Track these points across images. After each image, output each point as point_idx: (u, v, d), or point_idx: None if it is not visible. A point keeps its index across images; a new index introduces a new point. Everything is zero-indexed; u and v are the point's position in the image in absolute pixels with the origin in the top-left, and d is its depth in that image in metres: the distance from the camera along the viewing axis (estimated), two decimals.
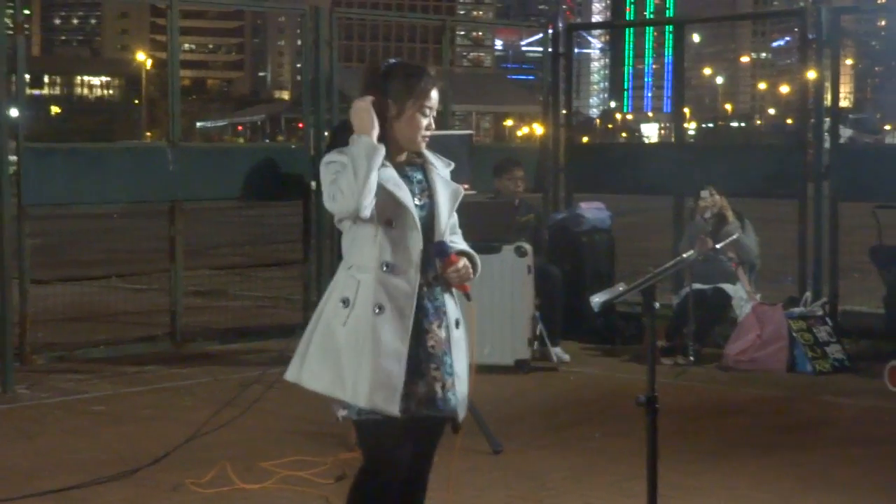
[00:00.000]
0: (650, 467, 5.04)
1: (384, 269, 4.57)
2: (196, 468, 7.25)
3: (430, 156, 4.78)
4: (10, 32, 10.31)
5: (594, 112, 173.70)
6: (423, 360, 4.61)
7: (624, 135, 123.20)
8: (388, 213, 4.58)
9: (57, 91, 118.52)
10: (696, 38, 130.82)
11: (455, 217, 4.84)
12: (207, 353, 11.26)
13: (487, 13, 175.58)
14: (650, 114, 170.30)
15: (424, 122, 4.67)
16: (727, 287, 11.06)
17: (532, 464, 7.57)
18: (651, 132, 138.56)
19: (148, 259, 16.47)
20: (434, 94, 4.69)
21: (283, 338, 10.15)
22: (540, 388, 10.05)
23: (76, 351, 10.97)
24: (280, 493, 6.90)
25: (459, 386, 4.71)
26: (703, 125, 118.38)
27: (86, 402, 9.44)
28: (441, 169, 4.78)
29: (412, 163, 4.74)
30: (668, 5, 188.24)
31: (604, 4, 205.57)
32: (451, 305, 4.72)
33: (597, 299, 5.01)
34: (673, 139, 15.16)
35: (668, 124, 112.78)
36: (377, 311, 4.55)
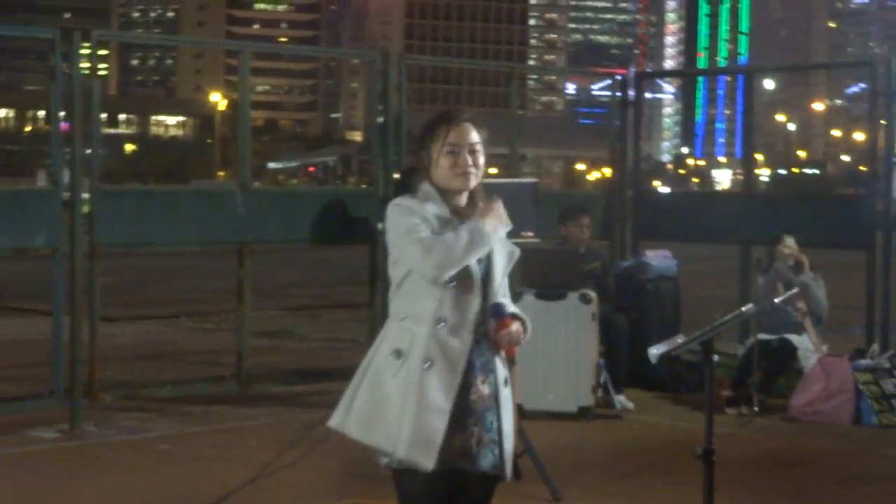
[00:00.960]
0: None
1: (440, 324, 4.60)
2: None
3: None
4: (86, 74, 10.49)
5: (666, 157, 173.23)
6: (466, 413, 4.63)
7: (695, 180, 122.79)
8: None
9: (132, 130, 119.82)
10: (769, 84, 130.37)
11: (506, 280, 4.87)
12: (273, 395, 11.35)
13: (559, 58, 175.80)
14: (722, 159, 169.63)
15: (450, 160, 4.66)
16: (793, 338, 11.00)
17: None
18: (723, 178, 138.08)
19: (217, 299, 16.63)
20: (458, 131, 4.68)
21: (348, 380, 10.18)
22: (602, 435, 10.03)
23: (143, 389, 11.10)
24: None
25: (507, 443, 4.73)
26: (776, 172, 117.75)
27: (151, 441, 9.54)
28: (500, 230, 4.78)
29: (471, 214, 4.72)
30: (740, 51, 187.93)
31: (677, 50, 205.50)
32: (500, 364, 4.74)
33: (654, 351, 5.04)
34: (740, 187, 15.07)
35: (740, 170, 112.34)
36: (427, 365, 4.57)
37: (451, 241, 4.54)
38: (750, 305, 5.01)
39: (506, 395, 4.74)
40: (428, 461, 4.55)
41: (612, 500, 7.88)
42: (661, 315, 12.11)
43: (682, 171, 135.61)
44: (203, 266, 21.64)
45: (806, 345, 10.99)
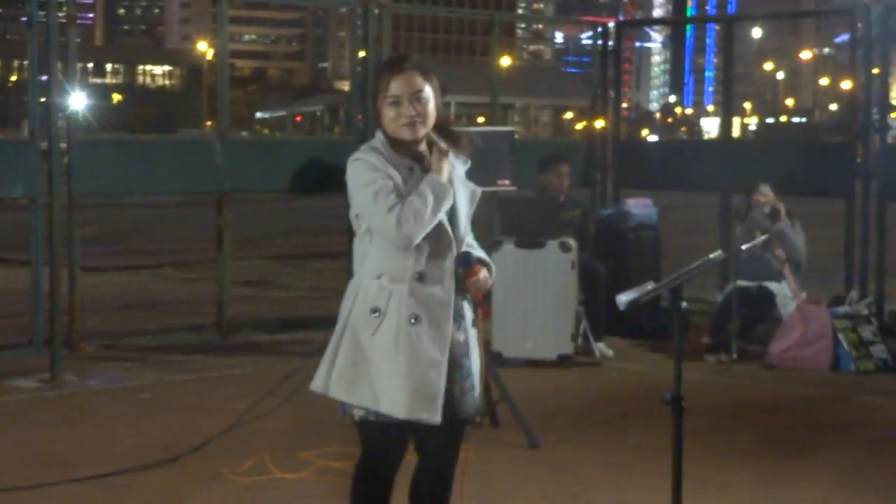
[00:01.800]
0: (675, 466, 5.06)
1: (418, 279, 4.57)
2: (235, 457, 7.36)
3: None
4: (63, 23, 10.44)
5: (654, 106, 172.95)
6: (449, 364, 4.63)
7: (683, 129, 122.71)
8: None
9: (118, 80, 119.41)
10: (757, 32, 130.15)
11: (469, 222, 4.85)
12: (254, 343, 11.39)
13: (547, 6, 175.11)
14: (711, 108, 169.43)
15: (393, 111, 4.57)
16: (772, 285, 11.04)
17: (568, 459, 7.61)
18: (711, 127, 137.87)
19: (200, 249, 16.62)
20: (400, 80, 4.58)
21: (329, 329, 10.20)
22: (581, 383, 10.08)
23: (124, 339, 11.12)
24: (317, 483, 6.97)
25: (477, 385, 4.75)
26: (763, 120, 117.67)
27: (131, 390, 9.57)
28: (458, 168, 4.74)
29: (427, 157, 4.66)
30: (728, 1, 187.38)
31: None
32: (467, 307, 4.73)
33: (623, 298, 5.05)
34: (717, 136, 15.08)
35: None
36: (413, 321, 4.55)
37: (418, 206, 4.48)
38: (718, 252, 5.02)
39: (473, 336, 4.74)
40: (434, 415, 4.55)
41: (589, 447, 7.92)
42: (641, 263, 12.14)
43: (670, 121, 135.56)
44: (186, 216, 21.62)
45: (785, 292, 11.04)
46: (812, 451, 7.89)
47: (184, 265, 17.27)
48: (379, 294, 4.59)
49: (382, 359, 4.57)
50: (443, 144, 4.60)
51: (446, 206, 4.57)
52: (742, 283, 10.99)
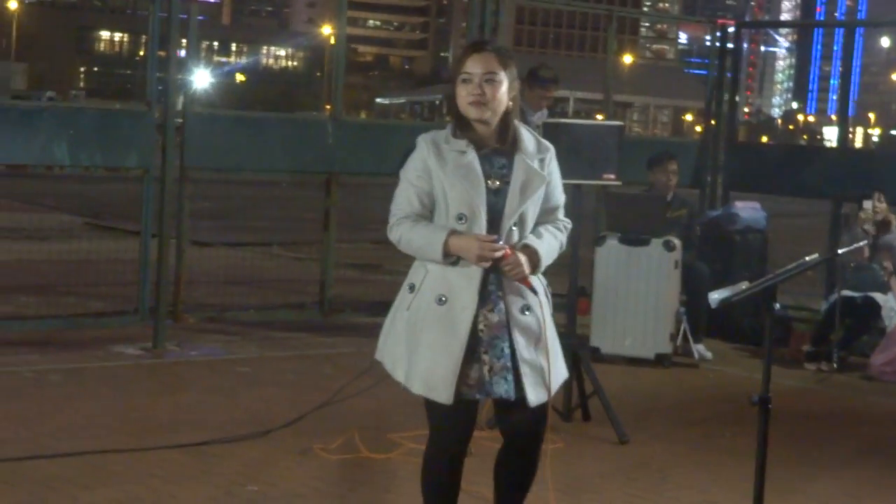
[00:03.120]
0: (759, 467, 5.02)
1: (452, 261, 4.70)
2: (326, 434, 7.46)
3: (525, 140, 4.82)
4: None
5: (776, 112, 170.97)
6: (474, 343, 4.71)
7: (805, 137, 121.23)
8: (460, 207, 4.71)
9: (243, 59, 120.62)
10: (885, 42, 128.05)
11: (558, 200, 4.94)
12: (354, 325, 11.48)
13: (673, 6, 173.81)
14: (834, 117, 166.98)
15: (464, 89, 4.71)
16: (878, 296, 10.90)
17: (656, 456, 7.60)
18: (833, 136, 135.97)
19: (310, 229, 16.78)
20: (476, 59, 4.73)
21: None
22: (677, 383, 10.04)
23: (227, 313, 11.27)
24: (404, 464, 7.01)
25: (531, 371, 4.75)
26: (887, 131, 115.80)
27: (230, 363, 9.73)
28: (531, 155, 4.80)
29: (501, 151, 4.79)
30: (860, 7, 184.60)
31: (794, 3, 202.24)
32: (514, 292, 4.78)
33: (716, 296, 5.04)
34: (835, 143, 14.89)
35: (851, 128, 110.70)
36: (440, 301, 4.70)
37: (408, 239, 4.75)
38: (815, 255, 4.99)
39: (522, 321, 4.77)
40: (443, 395, 4.67)
41: (679, 446, 7.89)
42: (746, 266, 12.01)
43: (791, 127, 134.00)
44: (297, 196, 21.84)
45: (891, 304, 10.88)
46: None
47: (292, 245, 17.46)
48: (417, 271, 4.81)
49: (409, 334, 4.75)
50: (524, 273, 4.74)
51: (429, 256, 4.72)
52: (847, 292, 10.87)
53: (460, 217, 4.69)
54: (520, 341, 4.75)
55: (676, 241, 10.57)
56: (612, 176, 8.08)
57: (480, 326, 4.72)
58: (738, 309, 11.22)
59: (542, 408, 4.80)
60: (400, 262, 17.55)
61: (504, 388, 4.73)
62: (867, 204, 10.98)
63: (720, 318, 11.27)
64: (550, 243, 4.87)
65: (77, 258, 12.60)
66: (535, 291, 4.78)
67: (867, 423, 9.11)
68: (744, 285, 5.21)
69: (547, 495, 5.43)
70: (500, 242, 4.68)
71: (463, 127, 4.76)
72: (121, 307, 10.72)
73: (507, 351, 4.74)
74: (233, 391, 8.80)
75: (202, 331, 10.71)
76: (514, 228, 4.76)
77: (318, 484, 6.64)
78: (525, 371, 4.74)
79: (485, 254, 4.63)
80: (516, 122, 4.82)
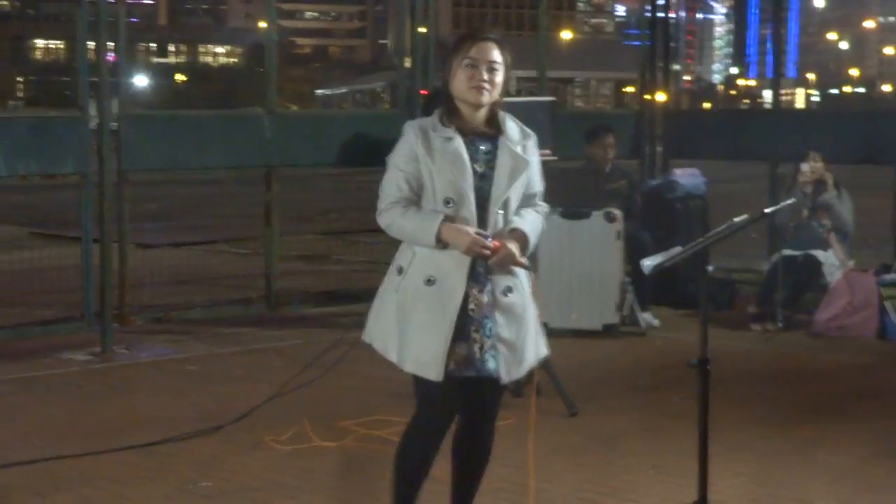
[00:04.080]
0: (702, 428, 5.11)
1: (438, 244, 4.77)
2: (277, 426, 7.48)
3: (509, 127, 4.93)
4: (112, 2, 10.58)
5: (717, 78, 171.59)
6: (465, 322, 4.79)
7: (746, 101, 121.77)
8: (448, 192, 4.79)
9: (182, 59, 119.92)
10: (820, 2, 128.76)
11: (537, 187, 5.04)
12: (302, 316, 11.50)
13: None
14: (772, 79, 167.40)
15: (468, 73, 4.81)
16: (818, 253, 11.00)
17: (607, 426, 7.67)
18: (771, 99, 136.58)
19: (253, 224, 16.76)
20: (480, 47, 4.84)
21: None
22: (625, 352, 10.11)
23: (174, 313, 11.25)
24: (357, 451, 7.06)
25: (508, 350, 4.85)
26: (826, 91, 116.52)
27: (180, 363, 9.72)
28: (515, 142, 4.91)
29: (484, 134, 4.89)
30: None
31: None
32: (502, 273, 4.87)
33: (648, 262, 5.10)
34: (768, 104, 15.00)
35: (790, 91, 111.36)
36: (428, 282, 4.79)
37: (401, 225, 4.82)
38: (744, 216, 5.04)
39: (506, 302, 4.87)
40: (434, 373, 4.76)
41: (629, 414, 7.97)
42: (688, 233, 12.04)
43: (733, 93, 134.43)
44: (241, 193, 21.76)
45: (831, 260, 11.00)
46: (853, 419, 7.90)
47: (237, 241, 17.43)
48: (404, 254, 4.90)
49: (399, 315, 4.83)
50: (520, 262, 4.86)
51: (420, 242, 4.80)
52: (788, 252, 10.97)
53: (447, 202, 4.78)
54: (500, 321, 4.84)
55: (617, 213, 10.63)
56: (548, 152, 8.11)
57: (471, 306, 4.82)
58: (683, 275, 11.32)
59: (502, 386, 4.93)
60: (347, 252, 17.56)
61: (493, 366, 4.83)
62: (805, 167, 11.08)
63: (666, 285, 11.37)
64: (534, 224, 4.97)
65: (21, 267, 12.54)
66: (528, 268, 4.92)
67: (814, 379, 9.20)
68: (677, 250, 5.26)
69: (501, 472, 5.48)
70: (489, 239, 4.76)
71: (451, 112, 4.88)
72: (68, 314, 10.69)
73: (493, 330, 4.84)
74: (183, 390, 8.80)
75: (150, 332, 10.70)
76: (499, 213, 4.86)
77: (272, 475, 6.66)
78: (502, 350, 4.84)
79: (476, 249, 4.73)
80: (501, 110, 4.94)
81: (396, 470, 5.01)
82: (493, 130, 4.90)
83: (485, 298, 4.85)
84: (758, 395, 8.47)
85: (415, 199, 4.85)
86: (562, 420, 7.77)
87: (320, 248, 16.55)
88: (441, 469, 5.11)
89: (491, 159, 4.86)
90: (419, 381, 4.86)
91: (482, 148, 4.87)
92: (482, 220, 4.81)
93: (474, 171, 4.81)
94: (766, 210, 5.03)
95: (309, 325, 11.14)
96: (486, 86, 4.81)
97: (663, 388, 8.72)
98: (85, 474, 6.67)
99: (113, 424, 7.77)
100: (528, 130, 5.01)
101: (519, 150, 4.90)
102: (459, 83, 4.83)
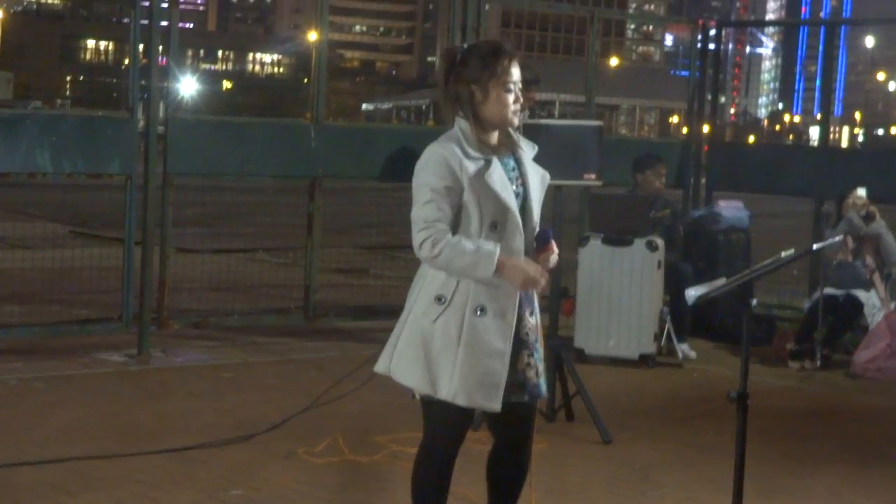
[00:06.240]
0: (738, 462, 5.05)
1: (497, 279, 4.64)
2: (311, 437, 7.48)
3: (522, 140, 4.86)
4: (165, 6, 10.62)
5: (763, 112, 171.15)
6: (519, 349, 4.74)
7: (791, 137, 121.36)
8: (495, 216, 4.65)
9: (229, 67, 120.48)
10: (870, 42, 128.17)
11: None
12: (339, 329, 11.50)
13: (658, 8, 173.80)
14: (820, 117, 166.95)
15: (511, 97, 4.71)
16: (860, 294, 10.93)
17: (640, 456, 7.62)
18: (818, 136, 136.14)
19: (295, 234, 16.78)
20: (514, 67, 4.72)
21: None
22: (661, 383, 10.06)
23: (211, 318, 11.27)
24: (388, 466, 7.04)
25: (542, 368, 4.85)
26: (873, 132, 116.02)
27: (215, 369, 9.73)
28: (528, 152, 4.85)
29: (504, 145, 4.79)
30: (844, 6, 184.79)
31: (779, 3, 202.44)
32: (528, 295, 4.82)
33: (693, 292, 5.09)
34: (815, 142, 14.91)
35: (836, 128, 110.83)
36: (479, 312, 4.63)
37: (448, 256, 4.55)
38: (790, 251, 4.99)
39: (532, 323, 4.84)
40: (495, 403, 4.67)
41: (662, 445, 7.91)
42: (730, 266, 11.98)
43: (777, 128, 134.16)
44: (283, 203, 21.80)
45: (873, 301, 10.92)
46: (889, 462, 7.82)
47: (277, 250, 17.46)
48: (446, 283, 4.66)
49: (443, 347, 4.65)
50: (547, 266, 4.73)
51: (473, 276, 4.60)
52: (830, 290, 10.90)
53: (493, 225, 4.64)
54: (540, 341, 4.84)
55: (659, 242, 10.58)
56: (593, 176, 8.10)
57: (525, 330, 4.76)
58: (722, 308, 11.26)
59: (536, 406, 4.91)
60: (387, 267, 17.54)
61: (544, 390, 4.85)
62: (861, 191, 10.99)
63: (704, 317, 11.30)
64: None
65: (61, 266, 12.58)
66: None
67: (850, 420, 9.13)
68: (721, 282, 5.23)
69: (531, 496, 5.44)
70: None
71: (482, 132, 4.72)
72: (105, 314, 10.72)
73: (541, 351, 4.82)
74: (217, 396, 8.80)
75: (187, 337, 10.73)
76: (535, 229, 4.80)
77: (303, 487, 6.65)
78: (540, 370, 4.83)
79: (531, 286, 4.64)
80: None
81: (416, 493, 4.92)
82: (509, 146, 4.81)
83: (533, 321, 4.81)
84: (794, 433, 8.41)
85: (452, 221, 4.63)
86: (595, 447, 7.73)
87: (360, 261, 16.55)
88: (474, 490, 5.09)
89: (517, 176, 4.78)
90: (432, 407, 4.75)
91: (510, 164, 4.79)
92: (526, 240, 4.75)
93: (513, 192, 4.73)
94: (815, 246, 4.98)
95: (345, 338, 11.13)
96: (522, 107, 4.75)
97: (698, 421, 8.67)
98: (116, 475, 6.68)
99: (146, 427, 7.79)
100: (530, 142, 4.90)
101: (531, 160, 4.85)
102: (500, 107, 4.68)
